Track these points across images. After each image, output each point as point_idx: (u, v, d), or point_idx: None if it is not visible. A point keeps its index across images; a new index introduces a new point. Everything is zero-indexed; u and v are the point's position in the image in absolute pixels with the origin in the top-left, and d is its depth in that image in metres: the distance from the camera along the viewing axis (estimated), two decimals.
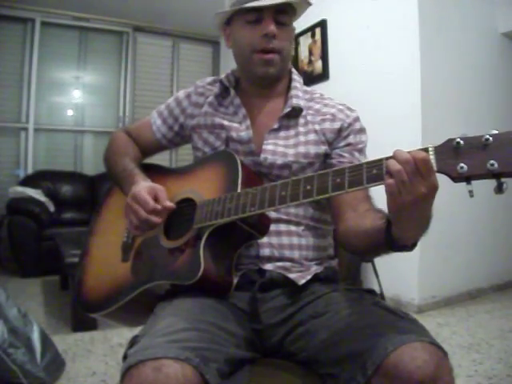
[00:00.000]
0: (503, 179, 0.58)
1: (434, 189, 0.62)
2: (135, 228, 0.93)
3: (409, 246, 0.72)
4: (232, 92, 1.02)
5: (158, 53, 4.92)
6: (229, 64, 4.95)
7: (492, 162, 0.57)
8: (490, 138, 0.58)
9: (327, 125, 0.97)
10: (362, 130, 0.99)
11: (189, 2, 4.12)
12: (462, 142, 0.60)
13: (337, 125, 0.97)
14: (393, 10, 2.85)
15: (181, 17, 4.50)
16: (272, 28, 0.91)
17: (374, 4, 2.98)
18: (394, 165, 0.62)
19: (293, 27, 1.00)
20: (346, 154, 0.96)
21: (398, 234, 0.70)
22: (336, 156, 0.96)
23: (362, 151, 0.98)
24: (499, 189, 0.58)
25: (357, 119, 0.99)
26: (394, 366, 0.63)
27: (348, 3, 3.21)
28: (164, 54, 4.95)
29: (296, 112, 0.98)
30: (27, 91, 4.24)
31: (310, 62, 3.56)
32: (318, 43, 3.46)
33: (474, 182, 0.61)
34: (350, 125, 0.97)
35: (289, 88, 1.03)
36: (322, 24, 3.40)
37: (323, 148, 0.97)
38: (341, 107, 1.00)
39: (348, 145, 0.97)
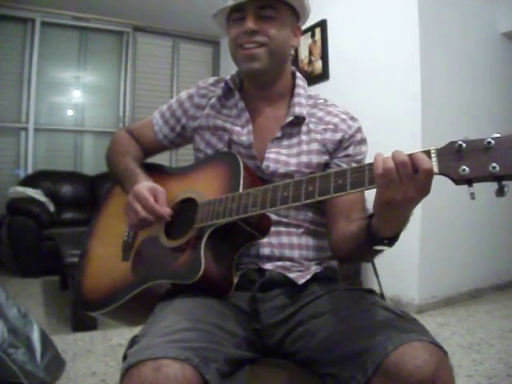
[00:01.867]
0: (505, 182, 0.58)
1: (426, 195, 0.64)
2: (134, 226, 0.94)
3: (388, 239, 0.73)
4: (237, 95, 1.02)
5: (158, 53, 4.92)
6: (229, 64, 4.92)
7: (494, 164, 0.57)
8: (492, 141, 0.58)
9: (329, 135, 0.97)
10: (362, 141, 0.99)
11: (189, 2, 4.12)
12: (464, 144, 0.60)
13: (338, 136, 0.96)
14: (393, 10, 2.85)
15: (181, 17, 4.50)
16: (249, 25, 0.91)
17: (374, 4, 2.98)
18: (388, 162, 0.63)
19: (286, 20, 0.95)
20: (344, 165, 0.96)
21: (377, 225, 0.72)
22: (334, 166, 0.96)
23: (360, 163, 0.97)
24: (500, 192, 0.58)
25: (358, 130, 0.99)
26: (394, 366, 0.64)
27: (348, 3, 3.21)
28: (164, 54, 4.95)
29: (299, 120, 0.98)
30: (27, 91, 4.24)
31: (310, 61, 3.56)
32: (318, 43, 3.46)
33: (475, 184, 0.61)
34: (351, 136, 0.97)
35: (292, 93, 1.01)
36: (322, 24, 3.40)
37: (325, 158, 0.96)
38: (344, 116, 0.99)
39: (347, 156, 0.97)
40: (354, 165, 0.95)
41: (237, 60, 0.97)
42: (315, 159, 0.95)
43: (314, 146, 0.96)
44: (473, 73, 2.97)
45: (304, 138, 0.97)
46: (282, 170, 0.94)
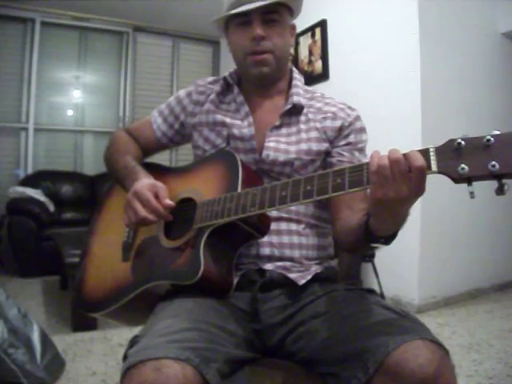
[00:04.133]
0: (505, 180, 0.58)
1: (420, 195, 0.63)
2: (132, 224, 0.93)
3: (384, 239, 0.73)
4: (235, 89, 1.03)
5: (158, 53, 4.92)
6: (229, 64, 4.91)
7: (493, 163, 0.56)
8: (492, 139, 0.57)
9: (328, 123, 0.98)
10: (362, 129, 1.00)
11: (189, 3, 4.12)
12: (463, 142, 0.59)
13: (338, 123, 0.97)
14: (393, 10, 2.85)
15: (181, 17, 4.50)
16: (258, 32, 0.93)
17: (374, 4, 2.98)
18: (383, 160, 0.63)
19: (287, 23, 0.99)
20: (345, 153, 0.97)
21: (374, 225, 0.72)
22: (336, 155, 0.97)
23: (362, 150, 0.99)
24: (500, 190, 0.58)
25: (357, 118, 1.00)
26: (395, 365, 0.63)
27: (348, 3, 3.21)
28: (164, 54, 4.95)
29: (297, 109, 0.99)
30: (27, 91, 4.24)
31: (310, 61, 3.56)
32: (318, 43, 3.46)
33: (474, 183, 0.60)
34: (350, 124, 0.98)
35: (290, 86, 1.03)
36: (322, 24, 3.40)
37: (325, 145, 0.97)
38: (342, 106, 1.01)
39: (348, 144, 0.97)
40: (357, 153, 0.96)
41: (245, 66, 0.98)
42: (315, 146, 0.96)
43: (313, 134, 0.97)
44: (473, 73, 2.97)
45: (303, 126, 0.98)
46: (282, 158, 0.94)
